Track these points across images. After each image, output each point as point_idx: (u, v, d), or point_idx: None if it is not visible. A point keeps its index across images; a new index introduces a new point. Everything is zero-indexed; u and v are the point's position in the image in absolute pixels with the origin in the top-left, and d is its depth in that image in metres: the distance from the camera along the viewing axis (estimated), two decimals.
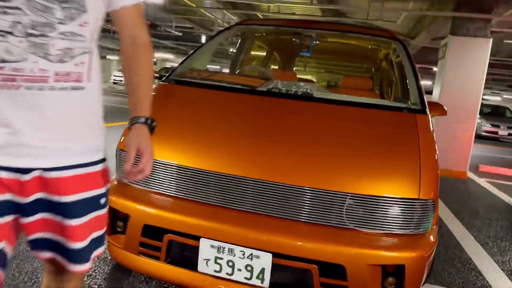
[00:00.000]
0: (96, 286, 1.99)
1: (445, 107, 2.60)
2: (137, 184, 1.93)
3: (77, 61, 0.96)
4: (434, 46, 9.25)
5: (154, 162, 1.91)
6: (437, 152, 1.98)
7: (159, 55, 23.35)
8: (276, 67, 4.99)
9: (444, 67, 6.37)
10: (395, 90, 2.96)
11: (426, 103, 2.22)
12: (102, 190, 1.09)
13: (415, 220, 1.73)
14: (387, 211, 1.71)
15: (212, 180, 1.80)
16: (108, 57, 34.69)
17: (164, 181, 1.88)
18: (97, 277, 2.07)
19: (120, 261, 1.94)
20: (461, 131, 6.36)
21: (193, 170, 1.83)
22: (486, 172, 7.27)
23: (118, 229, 1.94)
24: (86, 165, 1.03)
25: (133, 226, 1.83)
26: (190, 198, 1.83)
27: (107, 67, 37.44)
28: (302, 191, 1.72)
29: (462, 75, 6.21)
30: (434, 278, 2.51)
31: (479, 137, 15.51)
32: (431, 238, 1.81)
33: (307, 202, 1.72)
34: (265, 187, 1.75)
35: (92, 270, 2.11)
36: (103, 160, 1.10)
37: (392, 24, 9.24)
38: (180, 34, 15.14)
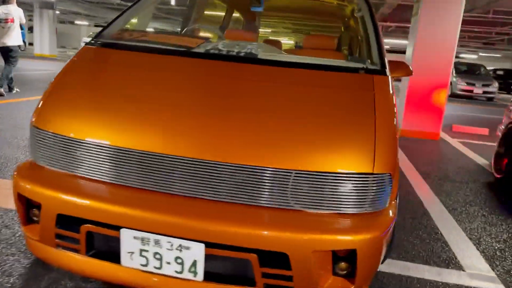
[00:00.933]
0: None
1: (410, 67, 2.36)
2: (52, 167, 1.65)
3: None
4: (410, 4, 8.94)
5: (67, 139, 1.67)
6: (395, 118, 1.75)
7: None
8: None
9: (417, 24, 6.11)
10: (358, 49, 2.70)
11: (386, 62, 1.97)
12: None
13: (370, 197, 1.52)
14: (337, 189, 1.49)
15: (134, 159, 1.54)
16: (76, 22, 33.14)
17: (81, 162, 1.60)
18: (13, 273, 1.81)
19: (37, 255, 1.69)
20: (435, 90, 6.19)
21: (112, 148, 1.56)
22: (459, 132, 7.19)
23: (34, 218, 1.68)
24: None
25: (46, 216, 1.58)
26: (110, 181, 1.58)
27: (76, 33, 35.92)
28: (239, 170, 1.48)
29: (435, 31, 5.96)
30: (396, 253, 2.36)
31: (454, 96, 15.56)
32: (389, 214, 1.61)
33: (245, 182, 1.49)
34: (196, 166, 1.50)
35: (8, 265, 1.85)
36: None
37: None
38: None
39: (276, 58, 1.95)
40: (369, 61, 2.05)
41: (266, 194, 1.48)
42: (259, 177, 1.48)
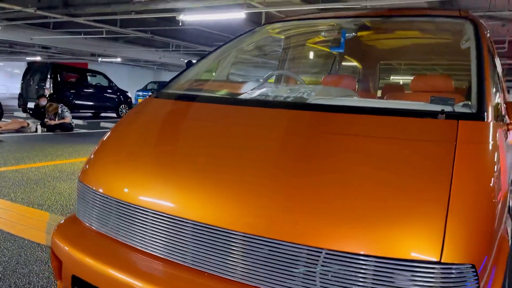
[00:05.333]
0: None
1: None
2: (87, 223, 1.58)
3: None
4: None
5: (97, 194, 1.58)
6: (495, 181, 1.23)
7: None
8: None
9: None
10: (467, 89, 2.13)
11: (487, 103, 1.44)
12: None
13: None
14: (381, 279, 1.06)
15: (150, 221, 1.35)
16: None
17: (106, 220, 1.49)
18: None
19: None
20: None
21: (129, 206, 1.41)
22: None
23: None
24: None
25: (65, 274, 1.49)
26: (127, 243, 1.41)
27: None
28: (252, 242, 1.17)
29: None
30: None
31: None
32: None
33: (261, 258, 1.17)
34: (206, 234, 1.24)
35: None
36: None
37: None
38: None
39: (331, 102, 1.59)
40: (468, 102, 1.54)
41: (285, 277, 1.13)
42: (276, 253, 1.14)
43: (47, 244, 2.64)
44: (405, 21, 2.33)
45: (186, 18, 8.35)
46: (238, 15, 7.83)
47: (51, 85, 12.72)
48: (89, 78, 14.74)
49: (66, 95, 13.17)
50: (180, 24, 9.07)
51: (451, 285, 1.04)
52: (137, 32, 13.38)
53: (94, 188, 1.54)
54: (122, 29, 12.58)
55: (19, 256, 2.44)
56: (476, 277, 1.06)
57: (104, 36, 14.01)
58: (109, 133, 1.82)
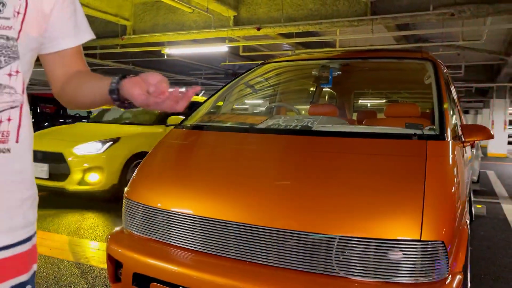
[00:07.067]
0: None
1: (491, 131, 2.25)
2: (136, 232, 1.95)
3: (3, 118, 0.80)
4: None
5: (147, 208, 1.96)
6: (455, 183, 1.69)
7: None
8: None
9: None
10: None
11: (446, 127, 1.94)
12: (25, 277, 0.85)
13: (419, 265, 1.48)
14: (381, 256, 1.49)
15: (196, 224, 1.75)
16: None
17: (156, 228, 1.87)
18: None
19: None
20: None
21: (178, 214, 1.80)
22: None
23: (120, 277, 1.96)
24: (9, 247, 0.82)
25: (126, 274, 1.84)
26: (178, 244, 1.80)
27: None
28: (284, 234, 1.58)
29: None
30: None
31: None
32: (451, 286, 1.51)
33: (291, 246, 1.58)
34: (247, 231, 1.64)
35: None
36: (30, 238, 0.88)
37: (477, 43, 8.44)
38: None
39: (330, 129, 2.06)
40: (433, 127, 2.04)
41: (310, 259, 1.54)
42: (303, 242, 1.56)
43: (75, 260, 2.95)
44: (380, 62, 2.87)
45: (172, 51, 8.84)
46: (221, 48, 8.38)
47: (31, 116, 12.82)
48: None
49: (46, 126, 13.28)
50: (166, 56, 9.54)
51: (429, 257, 1.49)
52: (118, 63, 13.72)
53: (145, 204, 1.92)
54: (103, 61, 12.91)
55: (55, 271, 2.75)
56: (446, 251, 1.51)
57: None
58: (146, 157, 2.21)
